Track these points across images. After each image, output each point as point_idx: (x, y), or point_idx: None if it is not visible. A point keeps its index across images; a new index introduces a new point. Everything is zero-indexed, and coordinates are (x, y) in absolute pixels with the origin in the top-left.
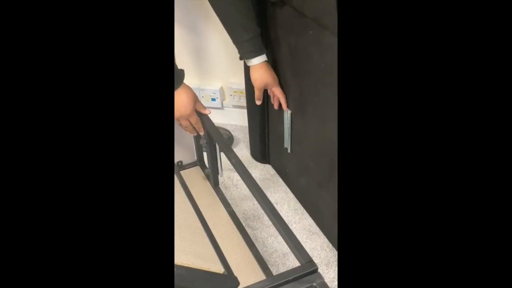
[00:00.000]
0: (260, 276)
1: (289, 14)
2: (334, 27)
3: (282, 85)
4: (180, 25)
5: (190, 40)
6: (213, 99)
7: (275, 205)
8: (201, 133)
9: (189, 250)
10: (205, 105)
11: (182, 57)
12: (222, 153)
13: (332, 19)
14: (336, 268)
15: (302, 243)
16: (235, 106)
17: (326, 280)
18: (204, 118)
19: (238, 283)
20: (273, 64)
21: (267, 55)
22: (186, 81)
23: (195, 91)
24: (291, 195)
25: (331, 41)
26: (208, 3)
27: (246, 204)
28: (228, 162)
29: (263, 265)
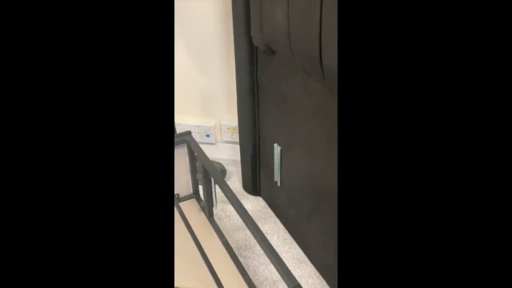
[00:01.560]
0: None
1: (278, 62)
2: (318, 75)
3: (272, 124)
4: (179, 67)
5: (188, 82)
6: (208, 135)
7: (265, 235)
8: None
9: (186, 276)
10: (200, 141)
11: (180, 96)
12: (216, 186)
13: (316, 69)
14: None
15: (291, 271)
16: (228, 142)
17: None
18: (200, 155)
19: None
20: (265, 106)
21: (258, 98)
22: (183, 119)
23: (191, 128)
24: (280, 225)
25: (317, 87)
26: (207, 48)
27: (239, 235)
28: (221, 194)
29: None
